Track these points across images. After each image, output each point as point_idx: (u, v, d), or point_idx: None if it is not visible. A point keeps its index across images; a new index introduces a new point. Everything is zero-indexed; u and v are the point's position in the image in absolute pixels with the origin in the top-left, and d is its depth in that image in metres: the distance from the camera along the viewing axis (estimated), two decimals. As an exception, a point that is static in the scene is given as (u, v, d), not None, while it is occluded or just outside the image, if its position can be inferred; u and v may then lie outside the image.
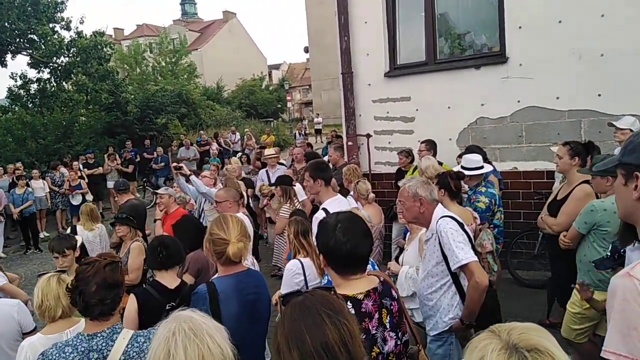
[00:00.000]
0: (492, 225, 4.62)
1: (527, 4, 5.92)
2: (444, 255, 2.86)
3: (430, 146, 6.06)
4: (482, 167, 4.69)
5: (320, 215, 3.82)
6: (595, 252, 3.48)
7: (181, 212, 5.64)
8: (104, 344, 2.07)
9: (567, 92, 5.82)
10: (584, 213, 3.56)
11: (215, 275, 2.74)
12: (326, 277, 2.75)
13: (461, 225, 2.92)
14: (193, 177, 5.98)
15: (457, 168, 4.71)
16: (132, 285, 3.95)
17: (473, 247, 2.95)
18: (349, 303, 1.92)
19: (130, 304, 2.90)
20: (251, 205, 7.78)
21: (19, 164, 12.23)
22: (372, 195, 5.25)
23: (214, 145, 17.22)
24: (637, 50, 5.41)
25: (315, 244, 3.63)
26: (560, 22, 5.75)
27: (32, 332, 3.17)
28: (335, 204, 3.84)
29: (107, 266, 2.15)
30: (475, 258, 2.80)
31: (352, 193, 5.56)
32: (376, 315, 2.01)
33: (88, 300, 2.08)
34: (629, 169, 1.45)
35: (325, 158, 8.24)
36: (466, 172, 4.62)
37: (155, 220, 5.78)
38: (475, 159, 4.70)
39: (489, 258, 4.29)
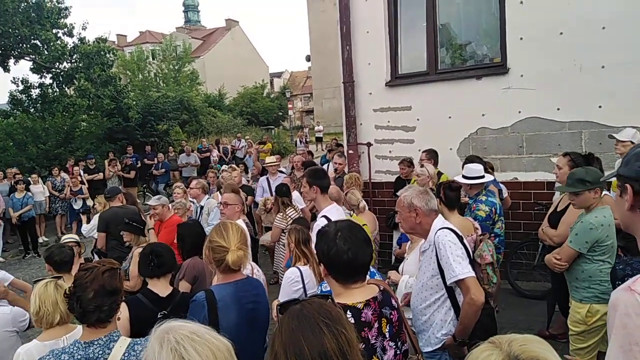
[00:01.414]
0: (493, 235, 4.61)
1: (529, 15, 5.94)
2: (440, 268, 2.79)
3: (431, 155, 6.07)
4: (483, 177, 4.70)
5: (321, 222, 3.80)
6: (596, 266, 3.41)
7: (176, 219, 5.61)
8: (100, 352, 2.05)
9: (568, 103, 5.83)
10: (582, 233, 3.43)
11: (214, 283, 2.73)
12: (320, 287, 2.75)
13: (460, 238, 2.86)
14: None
15: (458, 177, 4.72)
16: (132, 292, 3.93)
17: (472, 261, 2.89)
18: (348, 312, 1.91)
19: (122, 312, 2.88)
20: (252, 212, 7.77)
21: (15, 169, 12.26)
22: (362, 204, 5.25)
23: (215, 152, 17.26)
24: (638, 62, 5.42)
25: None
26: (561, 33, 5.78)
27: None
28: (334, 211, 3.83)
29: (106, 272, 2.13)
30: (473, 273, 2.73)
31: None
32: (376, 325, 1.99)
33: (85, 307, 2.06)
34: (622, 181, 1.48)
35: (325, 166, 8.24)
36: (466, 181, 4.62)
37: (148, 230, 5.74)
38: (476, 168, 4.72)
39: (488, 270, 4.28)
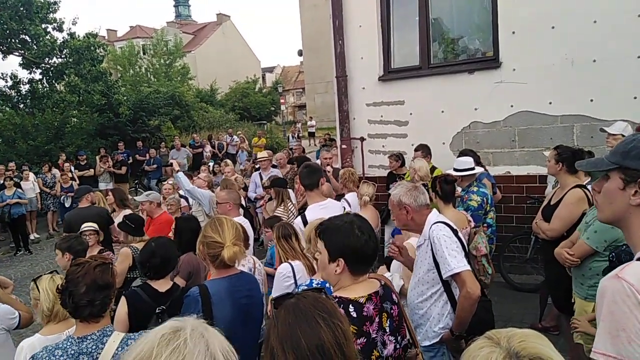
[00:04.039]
0: (485, 224, 4.65)
1: (521, 9, 5.96)
2: (436, 262, 2.79)
3: (427, 152, 6.08)
4: (473, 169, 4.72)
5: (297, 221, 3.83)
6: (606, 265, 3.37)
7: (166, 216, 5.58)
8: (94, 347, 2.04)
9: (560, 97, 5.86)
10: (601, 231, 3.30)
11: (208, 278, 2.71)
12: (309, 281, 2.75)
13: (455, 232, 2.86)
14: (179, 174, 5.93)
15: (449, 170, 4.74)
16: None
17: (467, 254, 2.89)
18: (351, 306, 1.92)
19: (121, 306, 2.86)
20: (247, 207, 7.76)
21: (11, 164, 12.14)
22: (365, 198, 5.25)
23: (208, 148, 17.16)
24: (629, 56, 5.46)
25: (299, 248, 3.62)
26: (553, 27, 5.80)
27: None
28: (318, 209, 3.81)
29: (97, 267, 2.12)
30: (468, 267, 2.73)
31: (348, 194, 5.58)
32: (376, 319, 2.00)
33: (77, 301, 2.05)
34: (633, 174, 1.45)
35: (319, 161, 8.22)
36: (457, 173, 4.64)
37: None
38: (466, 160, 4.76)
39: (483, 261, 4.30)
